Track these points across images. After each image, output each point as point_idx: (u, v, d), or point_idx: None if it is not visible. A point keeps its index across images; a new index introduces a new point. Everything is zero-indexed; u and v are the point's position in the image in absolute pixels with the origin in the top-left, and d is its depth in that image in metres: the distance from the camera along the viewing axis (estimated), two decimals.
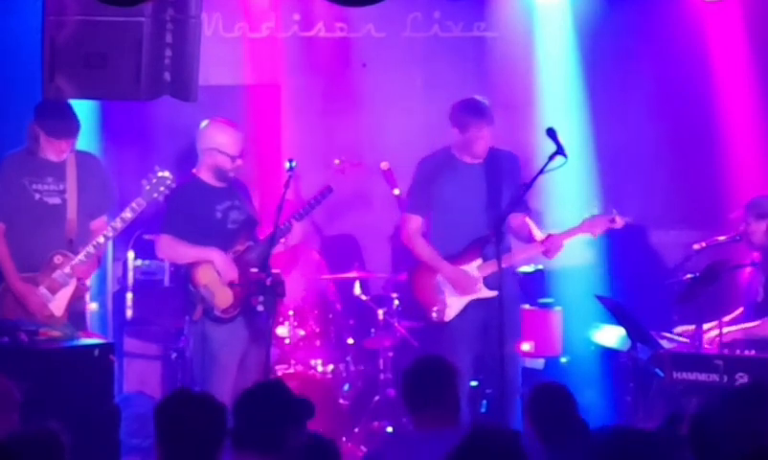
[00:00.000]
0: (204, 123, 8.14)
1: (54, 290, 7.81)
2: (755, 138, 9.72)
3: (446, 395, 5.64)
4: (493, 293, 7.93)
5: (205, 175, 8.08)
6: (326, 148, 10.14)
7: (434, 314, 8.10)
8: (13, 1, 8.41)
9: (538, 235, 8.13)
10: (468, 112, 8.15)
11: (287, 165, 7.79)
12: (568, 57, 9.97)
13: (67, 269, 7.80)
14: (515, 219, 8.11)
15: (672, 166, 10.06)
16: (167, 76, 7.40)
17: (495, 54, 10.09)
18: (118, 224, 7.79)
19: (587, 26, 9.94)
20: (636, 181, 10.00)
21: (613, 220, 8.15)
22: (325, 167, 9.42)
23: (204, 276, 7.93)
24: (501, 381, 7.69)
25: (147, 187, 7.80)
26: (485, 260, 8.04)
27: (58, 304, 7.82)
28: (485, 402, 8.37)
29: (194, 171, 8.13)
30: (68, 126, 7.81)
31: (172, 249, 8.04)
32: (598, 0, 9.95)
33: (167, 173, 7.84)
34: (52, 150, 7.86)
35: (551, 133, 7.77)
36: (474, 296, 8.04)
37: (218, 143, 8.03)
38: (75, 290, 7.86)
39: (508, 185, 8.11)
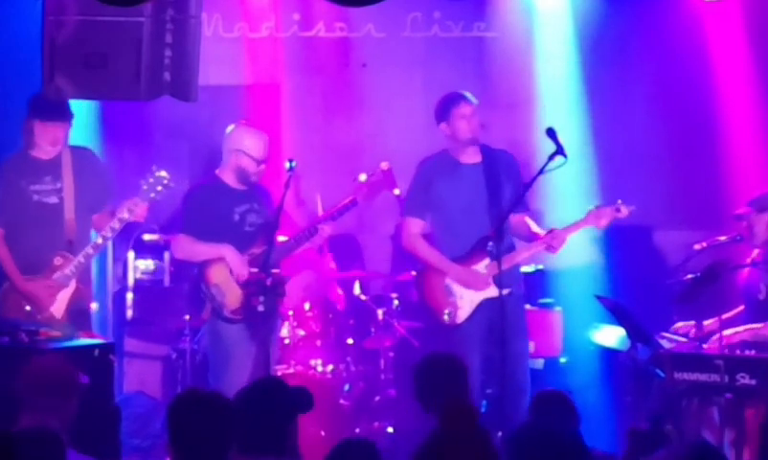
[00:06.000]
0: (230, 126, 8.18)
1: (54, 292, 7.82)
2: (755, 138, 9.71)
3: (462, 395, 5.71)
4: (504, 291, 7.97)
5: (227, 177, 8.11)
6: (326, 148, 10.16)
7: (446, 317, 8.03)
8: (13, 1, 8.40)
9: (540, 232, 8.13)
10: (445, 99, 8.19)
11: (287, 165, 7.79)
12: (568, 57, 9.97)
13: (68, 270, 7.81)
14: (514, 218, 8.11)
15: (672, 166, 10.05)
16: (167, 76, 7.39)
17: (495, 54, 10.09)
18: (116, 225, 7.79)
19: (587, 26, 9.95)
20: (636, 181, 9.99)
21: (618, 210, 8.11)
22: (324, 167, 9.47)
23: (216, 275, 7.95)
24: (502, 381, 7.67)
25: (145, 187, 7.81)
26: (492, 259, 8.02)
27: (58, 306, 7.82)
28: (484, 402, 8.35)
29: (217, 171, 8.15)
30: (61, 108, 7.81)
31: (188, 248, 8.06)
32: (597, 0, 9.95)
33: (163, 173, 7.84)
34: (47, 140, 7.86)
35: (551, 133, 7.76)
36: (486, 295, 7.99)
37: (245, 146, 8.06)
38: (74, 292, 7.87)
39: (508, 183, 8.10)
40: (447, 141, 8.22)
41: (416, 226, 8.22)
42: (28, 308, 7.78)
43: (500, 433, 6.87)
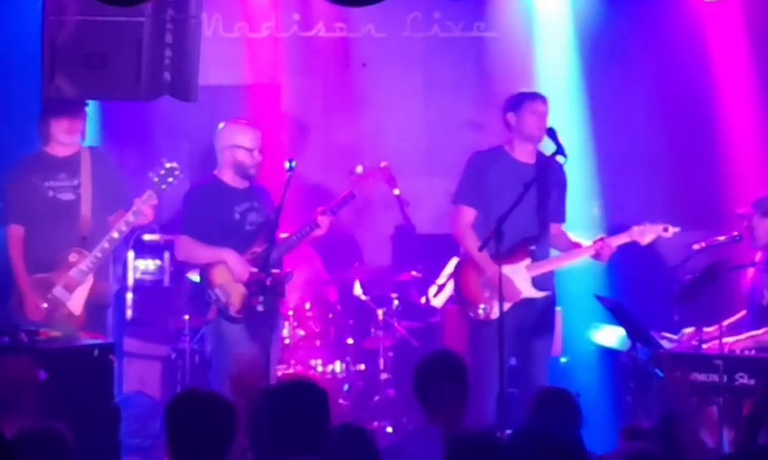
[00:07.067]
0: (221, 124, 8.20)
1: (71, 289, 7.81)
2: (755, 138, 9.72)
3: (460, 392, 5.72)
4: (541, 294, 7.98)
5: (226, 176, 8.12)
6: (326, 148, 10.16)
7: (480, 311, 7.99)
8: (13, 1, 8.41)
9: (584, 240, 8.14)
10: (521, 93, 8.20)
11: (287, 165, 7.78)
12: (568, 58, 9.98)
13: (84, 266, 7.81)
14: (553, 229, 8.15)
15: (672, 166, 10.06)
16: (167, 76, 7.40)
17: (495, 54, 10.09)
18: (131, 218, 7.80)
19: (587, 26, 9.95)
20: (636, 181, 10.01)
21: (665, 229, 8.13)
22: (324, 167, 9.46)
23: (220, 276, 7.96)
24: (521, 380, 7.80)
25: (156, 179, 7.80)
26: (533, 260, 8.01)
27: (76, 302, 7.82)
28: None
29: (215, 172, 8.16)
30: (76, 102, 7.84)
31: (190, 250, 8.07)
32: (597, 0, 9.96)
33: (174, 164, 7.84)
34: (65, 133, 7.88)
35: (551, 133, 7.75)
36: (522, 296, 7.96)
37: (237, 140, 8.08)
38: (92, 287, 7.86)
39: (554, 192, 8.07)
40: (507, 133, 8.14)
41: (468, 215, 8.12)
42: (45, 305, 7.80)
43: (508, 431, 6.86)
